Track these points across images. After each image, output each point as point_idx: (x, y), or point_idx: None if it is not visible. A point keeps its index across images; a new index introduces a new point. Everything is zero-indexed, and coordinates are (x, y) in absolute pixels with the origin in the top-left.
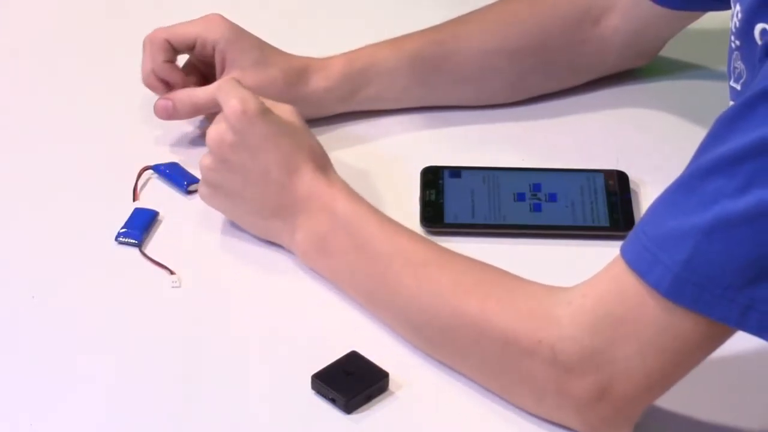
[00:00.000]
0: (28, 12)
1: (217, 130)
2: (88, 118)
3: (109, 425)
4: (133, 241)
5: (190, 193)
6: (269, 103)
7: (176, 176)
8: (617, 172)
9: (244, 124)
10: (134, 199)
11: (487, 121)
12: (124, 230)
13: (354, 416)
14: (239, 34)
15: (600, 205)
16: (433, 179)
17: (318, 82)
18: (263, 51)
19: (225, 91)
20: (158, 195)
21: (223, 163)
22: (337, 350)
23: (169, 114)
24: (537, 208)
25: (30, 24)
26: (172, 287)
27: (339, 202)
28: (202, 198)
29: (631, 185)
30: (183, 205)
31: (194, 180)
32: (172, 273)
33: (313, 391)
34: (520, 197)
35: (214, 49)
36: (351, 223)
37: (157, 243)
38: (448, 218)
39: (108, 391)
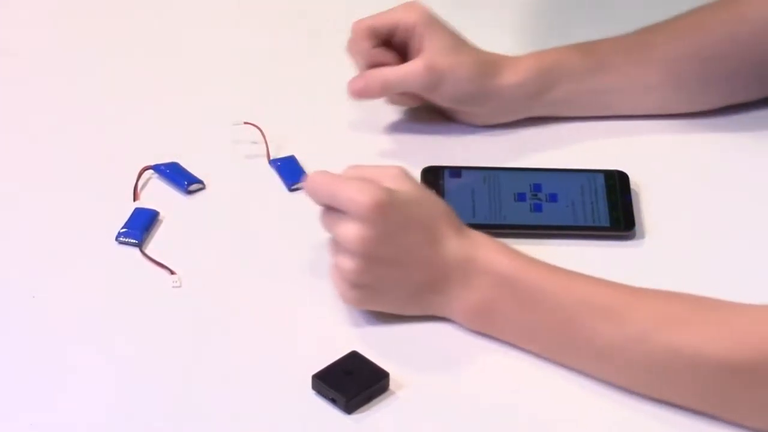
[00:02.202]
0: (28, 12)
1: (352, 231)
2: (88, 118)
3: (108, 425)
4: (134, 241)
5: (190, 193)
6: (378, 170)
7: (176, 176)
8: (618, 172)
9: (379, 216)
10: (134, 199)
11: None
12: (124, 230)
13: (354, 416)
14: (436, 19)
15: (600, 205)
16: (433, 179)
17: (509, 77)
18: (458, 39)
19: (340, 190)
20: (158, 195)
21: (372, 261)
22: (338, 350)
23: (361, 92)
24: (537, 208)
25: (30, 23)
26: (173, 287)
27: (495, 263)
28: (353, 303)
29: (632, 185)
30: (183, 205)
31: (194, 180)
32: (172, 273)
33: (314, 391)
34: (521, 197)
35: (413, 33)
36: (516, 282)
37: (157, 243)
38: None
39: (108, 391)
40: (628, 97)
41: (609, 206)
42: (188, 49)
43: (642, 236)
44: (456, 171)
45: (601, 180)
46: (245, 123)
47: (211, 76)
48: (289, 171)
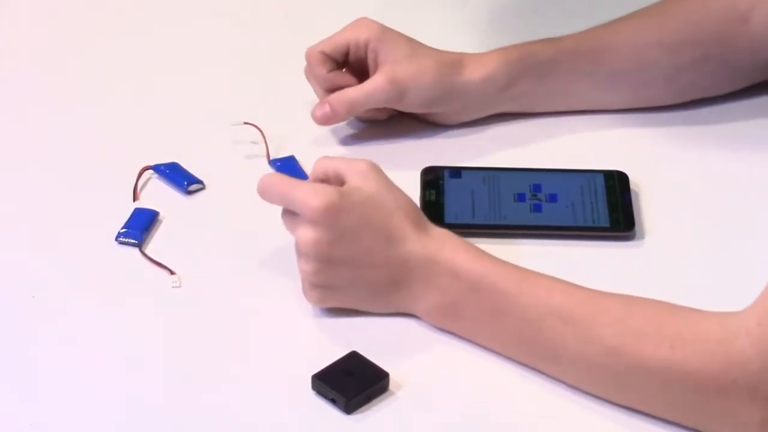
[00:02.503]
0: (28, 12)
1: (306, 234)
2: (88, 118)
3: (108, 425)
4: (134, 241)
5: (190, 193)
6: (345, 164)
7: (176, 176)
8: (617, 172)
9: (330, 219)
10: (134, 199)
11: (487, 120)
12: (124, 230)
13: (354, 416)
14: (388, 31)
15: (600, 205)
16: (433, 179)
17: (474, 72)
18: (414, 45)
19: (293, 195)
20: (158, 195)
21: (327, 263)
22: (338, 350)
23: (327, 118)
24: (537, 208)
25: (30, 23)
26: (173, 287)
27: (459, 265)
28: (315, 302)
29: (632, 185)
30: (183, 205)
31: (194, 180)
32: (172, 273)
33: (314, 392)
34: (521, 197)
35: (366, 49)
36: (479, 286)
37: (157, 243)
38: (449, 218)
39: (108, 391)
40: (598, 86)
41: (609, 207)
42: (188, 49)
43: (642, 237)
44: (456, 171)
45: (600, 180)
46: (245, 123)
47: (211, 76)
48: (289, 171)
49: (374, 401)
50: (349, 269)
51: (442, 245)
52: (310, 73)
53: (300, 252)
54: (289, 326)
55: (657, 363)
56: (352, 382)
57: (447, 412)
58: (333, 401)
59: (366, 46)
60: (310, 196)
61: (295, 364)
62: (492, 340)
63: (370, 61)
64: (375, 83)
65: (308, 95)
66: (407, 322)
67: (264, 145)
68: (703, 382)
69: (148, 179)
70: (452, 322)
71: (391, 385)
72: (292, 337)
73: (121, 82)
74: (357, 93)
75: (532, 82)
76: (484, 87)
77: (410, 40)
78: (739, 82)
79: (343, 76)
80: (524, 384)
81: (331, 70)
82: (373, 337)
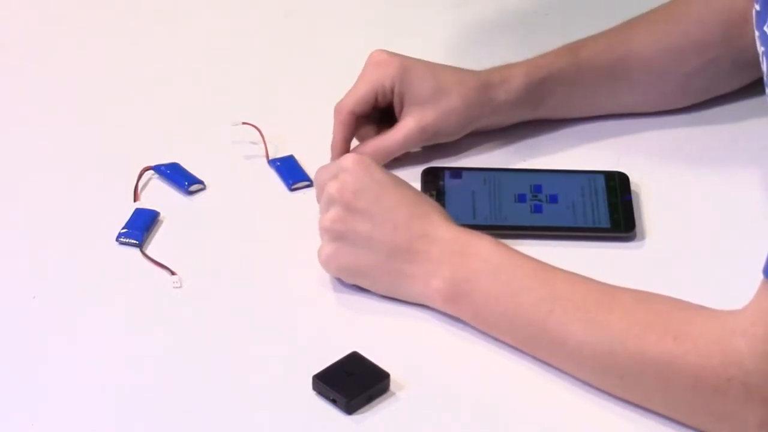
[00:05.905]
0: (28, 12)
1: (335, 182)
2: (89, 118)
3: (109, 425)
4: (134, 241)
5: (190, 193)
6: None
7: (177, 176)
8: (618, 173)
9: (362, 171)
10: (135, 200)
11: None
12: (125, 230)
13: (355, 417)
14: (409, 68)
15: (601, 206)
16: (433, 180)
17: (500, 97)
18: (437, 78)
19: (337, 161)
20: (159, 195)
21: (348, 211)
22: (338, 351)
23: None
24: (538, 209)
25: (30, 23)
26: (173, 288)
27: (482, 246)
28: (326, 261)
29: (632, 186)
30: (184, 206)
31: (195, 180)
32: (173, 273)
33: (314, 392)
34: (521, 198)
35: (392, 94)
36: (499, 266)
37: (157, 243)
38: None
39: (108, 392)
40: (617, 97)
41: (609, 208)
42: (188, 49)
43: (642, 238)
44: (456, 172)
45: (601, 181)
46: (243, 123)
47: (211, 76)
48: (289, 171)
49: (375, 402)
50: (369, 224)
51: (466, 232)
52: (338, 132)
53: (325, 202)
54: (289, 326)
55: (659, 355)
56: (352, 382)
57: (447, 412)
58: (334, 402)
59: (392, 91)
60: (349, 154)
61: (296, 364)
62: (499, 323)
63: (396, 103)
64: (408, 130)
65: (307, 95)
66: (408, 322)
67: (263, 145)
68: (701, 379)
69: (149, 179)
70: (462, 301)
71: (392, 386)
72: (292, 337)
73: (122, 82)
74: (391, 143)
75: (556, 100)
76: (512, 109)
77: (432, 73)
78: (746, 78)
79: (369, 129)
80: (526, 384)
81: (361, 126)
82: (373, 337)
